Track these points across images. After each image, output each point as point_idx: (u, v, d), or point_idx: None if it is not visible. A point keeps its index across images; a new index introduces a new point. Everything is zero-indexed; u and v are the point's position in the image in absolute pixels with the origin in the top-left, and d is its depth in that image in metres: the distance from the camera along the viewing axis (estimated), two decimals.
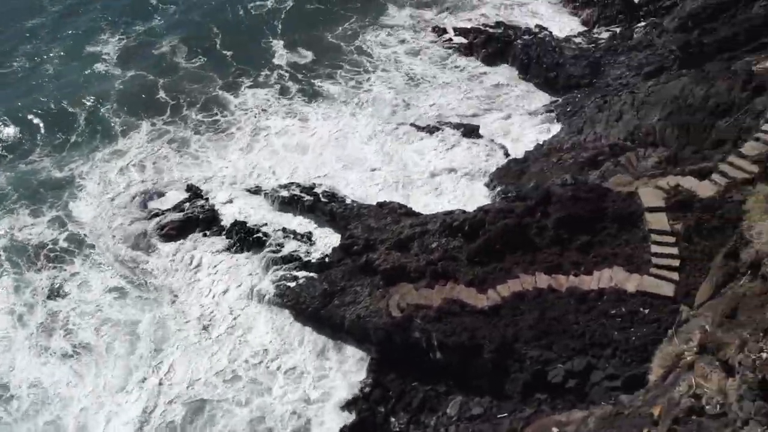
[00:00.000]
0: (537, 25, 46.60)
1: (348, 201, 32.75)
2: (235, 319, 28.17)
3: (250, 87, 43.51)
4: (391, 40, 47.53)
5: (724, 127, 27.05)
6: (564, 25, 47.65)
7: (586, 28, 46.87)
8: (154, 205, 34.47)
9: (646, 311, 19.65)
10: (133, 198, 34.85)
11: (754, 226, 13.56)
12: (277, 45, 47.56)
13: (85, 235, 33.03)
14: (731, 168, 22.14)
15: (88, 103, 42.01)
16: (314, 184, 34.23)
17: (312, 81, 43.71)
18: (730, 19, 37.98)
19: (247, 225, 32.12)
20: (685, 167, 24.48)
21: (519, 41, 43.87)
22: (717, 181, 22.10)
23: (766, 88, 26.46)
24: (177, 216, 33.30)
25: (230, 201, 34.18)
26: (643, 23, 45.27)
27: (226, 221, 32.80)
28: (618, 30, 45.10)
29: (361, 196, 33.54)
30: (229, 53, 46.79)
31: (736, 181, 21.50)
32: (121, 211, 34.16)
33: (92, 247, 32.36)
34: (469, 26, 47.49)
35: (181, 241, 32.25)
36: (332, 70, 44.62)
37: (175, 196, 34.95)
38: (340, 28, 48.88)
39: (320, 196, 33.17)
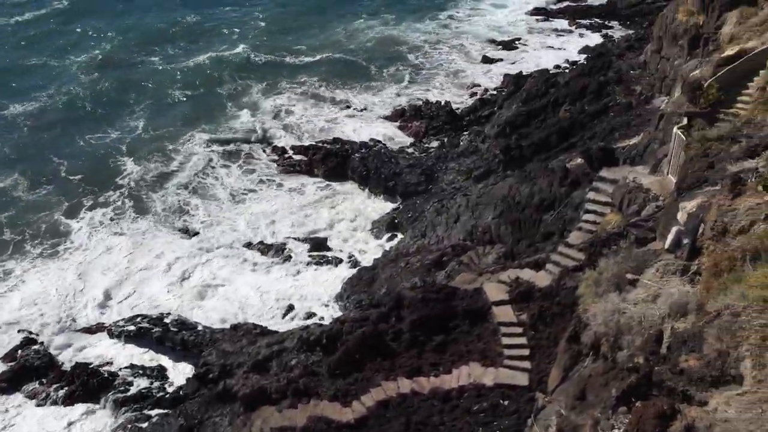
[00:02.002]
0: (371, 139, 48.95)
1: (200, 327, 31.51)
2: None
3: (90, 209, 42.48)
4: (232, 157, 48.27)
5: (550, 220, 29.42)
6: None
7: (414, 140, 49.64)
8: None
9: (506, 403, 20.14)
10: None
11: (589, 308, 14.49)
12: (127, 162, 47.25)
13: None
14: (562, 257, 23.89)
15: None
16: (162, 314, 32.68)
17: (148, 196, 43.53)
18: (541, 123, 42.28)
19: (90, 366, 29.74)
20: (522, 260, 26.23)
21: (356, 155, 45.72)
22: (551, 271, 23.71)
23: (581, 183, 29.27)
24: (8, 365, 30.20)
25: (68, 342, 31.67)
26: (467, 132, 49.09)
27: (66, 365, 30.21)
28: (445, 139, 48.46)
29: (208, 321, 32.46)
30: (76, 178, 45.54)
31: (567, 269, 23.19)
32: None
33: None
34: (306, 144, 48.90)
35: (12, 394, 29.06)
36: (169, 188, 44.63)
37: (3, 341, 31.78)
38: (185, 143, 49.53)
39: (169, 325, 31.65)
